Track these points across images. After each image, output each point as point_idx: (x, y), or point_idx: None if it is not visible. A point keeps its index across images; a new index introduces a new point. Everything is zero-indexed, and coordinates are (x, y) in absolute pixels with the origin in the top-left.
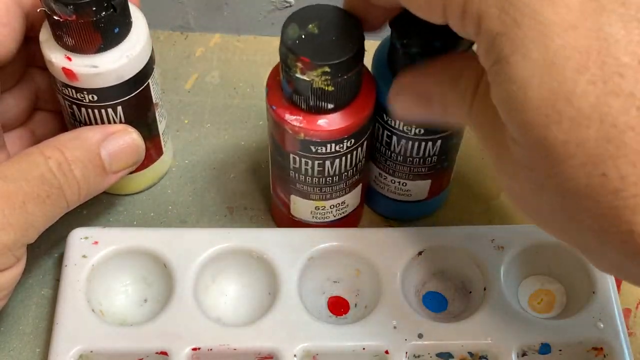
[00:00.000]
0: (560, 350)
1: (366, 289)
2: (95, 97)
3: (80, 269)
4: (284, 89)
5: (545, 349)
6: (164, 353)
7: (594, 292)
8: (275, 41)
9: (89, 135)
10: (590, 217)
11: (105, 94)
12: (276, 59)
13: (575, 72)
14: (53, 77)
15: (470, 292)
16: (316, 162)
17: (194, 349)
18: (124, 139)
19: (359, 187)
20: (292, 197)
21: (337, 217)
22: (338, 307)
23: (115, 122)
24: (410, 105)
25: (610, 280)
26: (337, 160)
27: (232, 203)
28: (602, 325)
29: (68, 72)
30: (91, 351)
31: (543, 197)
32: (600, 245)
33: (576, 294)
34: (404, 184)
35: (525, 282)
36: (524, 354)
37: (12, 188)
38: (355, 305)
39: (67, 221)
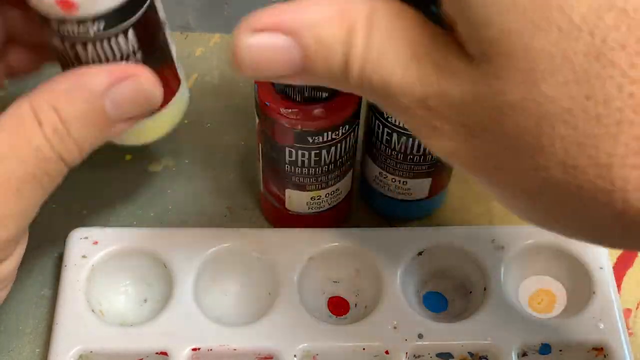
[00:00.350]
0: (560, 351)
1: (366, 289)
2: (102, 24)
3: (80, 269)
4: (276, 83)
5: (545, 349)
6: (164, 353)
7: (594, 292)
8: None
9: (91, 82)
10: (563, 148)
11: (112, 18)
12: None
13: None
14: (43, 20)
15: (471, 292)
16: (313, 153)
17: (194, 349)
18: (132, 87)
19: (350, 172)
20: (288, 191)
21: (332, 205)
22: (338, 307)
23: (129, 53)
24: (268, 55)
25: (610, 281)
26: (332, 149)
27: (232, 203)
28: (602, 326)
29: (64, 2)
30: (91, 351)
31: (507, 123)
32: (567, 181)
33: (576, 294)
34: (405, 183)
35: (526, 282)
36: (524, 354)
37: (5, 172)
38: (355, 305)
39: (67, 221)
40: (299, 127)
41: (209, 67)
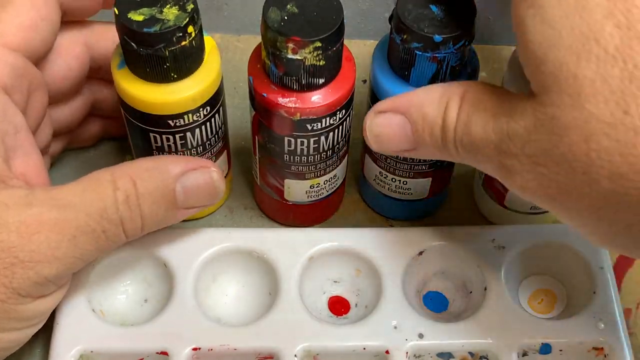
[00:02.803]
0: (560, 351)
1: (367, 288)
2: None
3: (81, 269)
4: (271, 73)
5: (545, 349)
6: (165, 353)
7: (594, 292)
8: None
9: (169, 167)
10: (608, 159)
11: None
12: None
13: (603, 17)
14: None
15: (471, 292)
16: (312, 140)
17: (195, 349)
18: (203, 177)
19: (346, 157)
20: (287, 181)
21: (329, 192)
22: (338, 307)
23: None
24: (387, 130)
25: (610, 280)
26: (330, 134)
27: (232, 203)
28: (602, 326)
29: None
30: (91, 351)
31: (562, 144)
32: (616, 191)
33: (576, 294)
34: (405, 183)
35: (526, 282)
36: (524, 354)
37: (68, 218)
38: (356, 305)
39: None
40: (298, 115)
41: None
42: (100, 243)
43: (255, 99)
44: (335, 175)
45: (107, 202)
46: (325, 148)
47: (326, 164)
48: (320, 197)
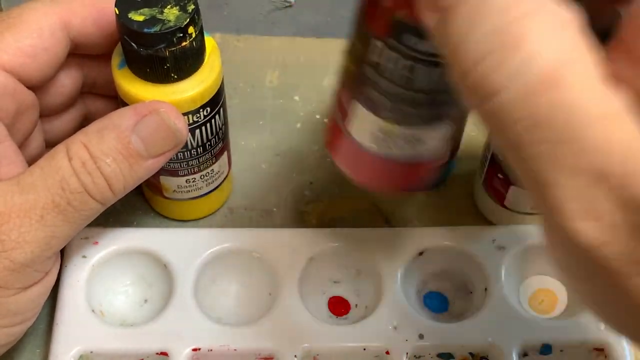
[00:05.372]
0: (561, 351)
1: (367, 289)
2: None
3: (80, 269)
4: None
5: (546, 349)
6: (164, 354)
7: None
8: (275, 41)
9: (118, 122)
10: None
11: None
12: (276, 58)
13: None
14: None
15: (471, 292)
16: (407, 64)
17: (194, 350)
18: (155, 121)
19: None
20: (355, 104)
21: (405, 150)
22: (338, 307)
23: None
24: None
25: None
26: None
27: (232, 203)
28: (603, 326)
29: None
30: (91, 352)
31: None
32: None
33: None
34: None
35: (526, 282)
36: (525, 355)
37: (31, 199)
38: (356, 305)
39: None
40: (403, 13)
41: None
42: (69, 216)
43: None
44: (416, 136)
45: (64, 174)
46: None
47: (415, 110)
48: (393, 151)
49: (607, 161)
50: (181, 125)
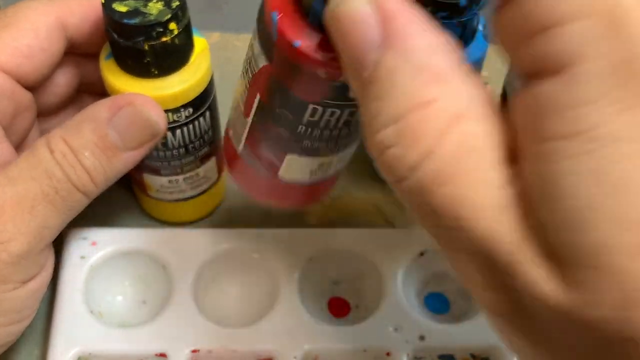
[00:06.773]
0: None
1: (367, 290)
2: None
3: (78, 270)
4: (311, 13)
5: None
6: (163, 355)
7: None
8: None
9: (95, 115)
10: None
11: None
12: None
13: None
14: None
15: None
16: (347, 112)
17: (194, 351)
18: (131, 113)
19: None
20: (289, 157)
21: (335, 173)
22: (339, 308)
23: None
24: None
25: None
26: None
27: (232, 203)
28: None
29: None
30: (90, 353)
31: None
32: None
33: None
34: None
35: None
36: None
37: (21, 191)
38: (356, 306)
39: None
40: (341, 77)
41: None
42: (58, 205)
43: (277, 46)
44: (349, 153)
45: (47, 165)
46: (354, 121)
47: (347, 140)
48: (325, 177)
49: (495, 250)
50: (158, 116)
